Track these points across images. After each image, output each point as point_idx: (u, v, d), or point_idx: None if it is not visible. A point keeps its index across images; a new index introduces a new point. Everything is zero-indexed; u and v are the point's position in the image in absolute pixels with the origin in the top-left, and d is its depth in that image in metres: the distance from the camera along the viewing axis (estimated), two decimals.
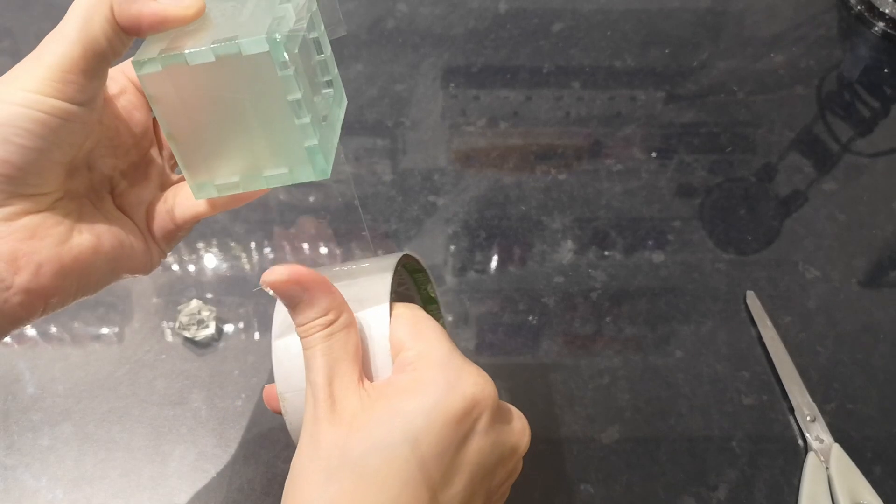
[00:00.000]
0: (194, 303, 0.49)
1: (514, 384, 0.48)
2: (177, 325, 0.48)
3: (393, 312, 0.30)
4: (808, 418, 0.46)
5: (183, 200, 0.32)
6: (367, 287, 0.31)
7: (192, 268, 0.52)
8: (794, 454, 0.46)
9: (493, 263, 0.53)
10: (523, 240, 0.54)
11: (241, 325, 0.49)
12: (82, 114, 0.27)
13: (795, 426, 0.47)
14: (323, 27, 0.30)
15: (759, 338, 0.50)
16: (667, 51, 0.65)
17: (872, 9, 0.66)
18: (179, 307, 0.49)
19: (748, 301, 0.51)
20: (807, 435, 0.46)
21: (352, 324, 0.28)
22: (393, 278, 0.31)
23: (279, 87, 0.26)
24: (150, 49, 0.26)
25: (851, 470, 0.44)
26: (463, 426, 0.27)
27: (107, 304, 0.50)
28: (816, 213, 0.56)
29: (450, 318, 0.50)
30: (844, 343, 0.50)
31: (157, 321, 0.50)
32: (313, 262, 0.53)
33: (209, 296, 0.50)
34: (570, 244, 0.54)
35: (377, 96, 0.61)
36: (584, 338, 0.50)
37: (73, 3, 0.26)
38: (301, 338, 0.28)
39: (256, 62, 0.25)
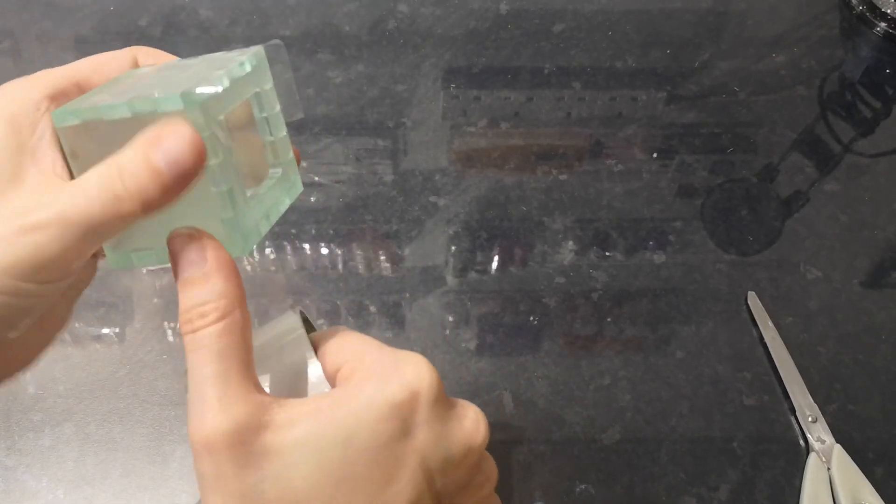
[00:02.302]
0: None
1: (514, 384, 0.48)
2: (178, 325, 0.48)
3: (316, 336, 0.28)
4: (810, 419, 0.46)
5: None
6: (277, 327, 0.29)
7: None
8: (796, 455, 0.46)
9: (494, 264, 0.53)
10: (524, 240, 0.54)
11: None
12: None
13: (797, 427, 0.47)
14: (278, 109, 0.28)
15: (761, 338, 0.50)
16: (668, 51, 0.65)
17: (874, 9, 0.66)
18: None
19: (749, 301, 0.51)
20: (808, 435, 0.46)
21: (248, 328, 0.24)
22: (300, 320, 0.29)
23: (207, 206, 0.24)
24: (74, 102, 0.25)
25: (853, 471, 0.44)
26: (399, 418, 0.24)
27: (108, 305, 0.50)
28: (818, 214, 0.56)
29: (450, 319, 0.50)
30: (846, 344, 0.50)
31: (158, 321, 0.50)
32: (314, 262, 0.53)
33: None
34: (571, 245, 0.54)
35: (378, 97, 0.61)
36: (584, 338, 0.50)
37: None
38: (185, 331, 0.24)
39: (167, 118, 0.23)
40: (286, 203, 0.29)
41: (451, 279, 0.52)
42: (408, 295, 0.51)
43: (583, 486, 0.44)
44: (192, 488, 0.44)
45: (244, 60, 0.26)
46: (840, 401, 0.47)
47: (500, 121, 0.60)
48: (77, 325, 0.49)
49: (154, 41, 0.62)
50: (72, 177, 0.25)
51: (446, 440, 0.25)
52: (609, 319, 0.51)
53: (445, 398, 0.26)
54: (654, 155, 0.59)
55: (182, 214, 0.25)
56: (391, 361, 0.25)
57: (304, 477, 0.23)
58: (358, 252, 0.53)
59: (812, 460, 0.45)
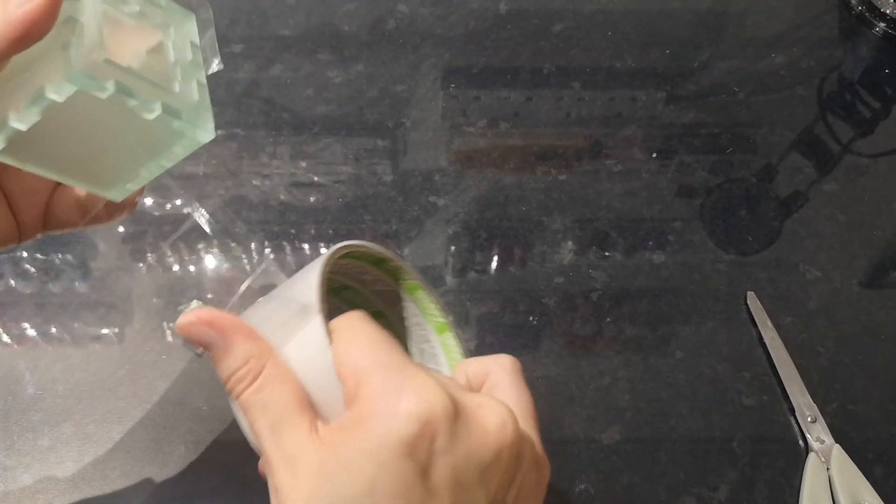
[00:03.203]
0: (195, 303, 0.49)
1: None
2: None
3: (333, 324, 0.27)
4: (809, 419, 0.46)
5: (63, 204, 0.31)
6: (297, 313, 0.28)
7: (192, 268, 0.52)
8: (795, 455, 0.46)
9: (494, 264, 0.53)
10: (524, 240, 0.54)
11: None
12: None
13: (796, 427, 0.47)
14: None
15: (760, 338, 0.50)
16: (667, 51, 0.65)
17: (873, 9, 0.66)
18: (180, 307, 0.49)
19: (749, 302, 0.51)
20: (807, 436, 0.46)
21: (282, 372, 0.26)
22: (321, 287, 0.28)
23: (114, 104, 0.25)
24: None
25: (852, 471, 0.44)
26: (417, 453, 0.23)
27: (107, 305, 0.50)
28: (817, 214, 0.56)
29: (450, 319, 0.50)
30: (845, 344, 0.50)
31: (157, 321, 0.50)
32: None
33: (210, 296, 0.50)
34: (570, 245, 0.54)
35: (378, 97, 0.61)
36: (584, 338, 0.50)
37: None
38: (231, 397, 0.26)
39: (76, 100, 0.24)
40: (198, 44, 0.29)
41: (450, 279, 0.52)
42: None
43: (583, 486, 0.44)
44: (192, 488, 0.44)
45: None
46: (839, 401, 0.48)
47: (500, 121, 0.60)
48: (77, 325, 0.49)
49: None
50: None
51: (475, 453, 0.24)
52: (608, 319, 0.51)
53: (461, 411, 0.25)
54: (654, 155, 0.59)
55: (145, 140, 0.27)
56: (395, 388, 0.24)
57: None
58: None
59: (811, 460, 0.45)
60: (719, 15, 0.68)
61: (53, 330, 0.49)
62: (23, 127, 0.25)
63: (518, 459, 0.26)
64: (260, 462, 0.27)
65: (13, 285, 0.51)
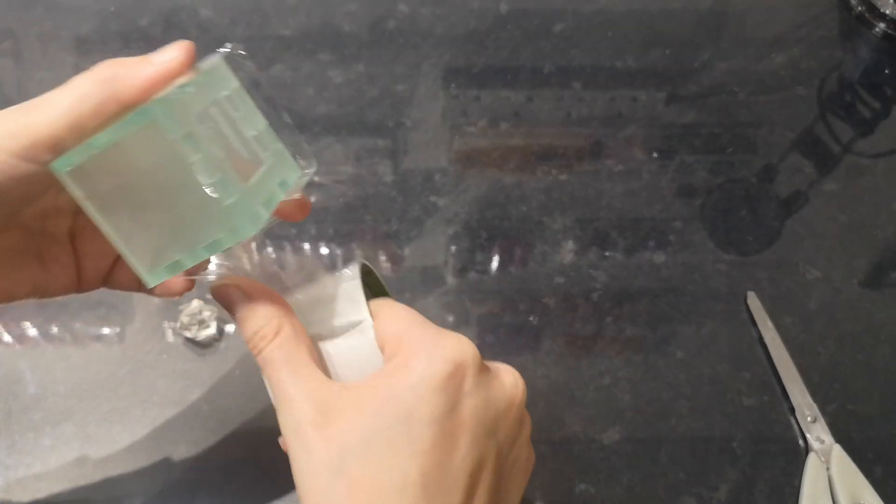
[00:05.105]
0: (195, 303, 0.49)
1: None
2: (178, 325, 0.48)
3: (372, 305, 0.31)
4: (809, 419, 0.46)
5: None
6: (341, 301, 0.31)
7: None
8: (795, 455, 0.46)
9: (494, 264, 0.53)
10: (524, 240, 0.54)
11: None
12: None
13: (796, 427, 0.47)
14: (251, 104, 0.30)
15: (760, 338, 0.50)
16: (668, 51, 0.65)
17: (873, 9, 0.66)
18: (181, 307, 0.49)
19: (749, 302, 0.51)
20: (807, 435, 0.46)
21: (300, 331, 0.29)
22: (362, 281, 0.32)
23: (177, 152, 0.26)
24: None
25: (852, 471, 0.44)
26: (450, 389, 0.27)
27: (108, 305, 0.50)
28: (817, 214, 0.56)
29: (450, 319, 0.50)
30: (845, 344, 0.50)
31: (158, 321, 0.50)
32: (314, 262, 0.53)
33: (210, 296, 0.50)
34: (570, 245, 0.54)
35: (378, 97, 0.61)
36: (584, 338, 0.50)
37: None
38: (255, 355, 0.28)
39: (149, 134, 0.25)
40: (288, 185, 0.31)
41: (450, 279, 0.52)
42: (408, 295, 0.51)
43: (583, 486, 0.44)
44: (193, 487, 0.44)
45: (201, 66, 0.28)
46: (839, 401, 0.48)
47: (500, 121, 0.60)
48: (77, 325, 0.49)
49: (154, 41, 0.62)
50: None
51: (493, 401, 0.29)
52: (609, 319, 0.51)
53: (485, 366, 0.29)
54: (654, 155, 0.59)
55: (192, 215, 0.28)
56: (433, 338, 0.28)
57: (379, 452, 0.26)
58: (358, 252, 0.53)
59: (811, 460, 0.45)
60: (719, 15, 0.68)
61: (54, 329, 0.49)
62: (96, 146, 0.26)
63: (522, 422, 0.31)
64: (280, 438, 0.28)
65: None
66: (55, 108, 0.26)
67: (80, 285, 0.34)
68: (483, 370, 0.29)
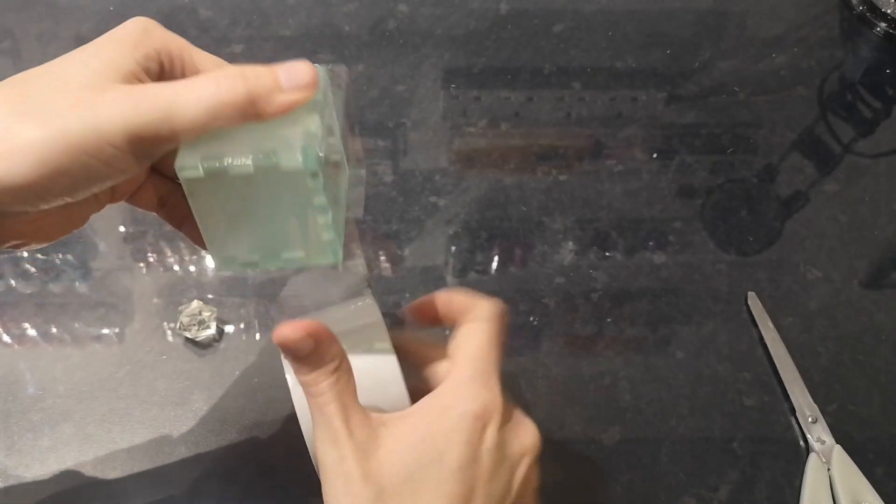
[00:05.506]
0: (195, 303, 0.49)
1: (514, 385, 0.48)
2: (178, 325, 0.48)
3: (461, 330, 0.33)
4: (810, 419, 0.46)
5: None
6: (357, 315, 0.34)
7: (192, 268, 0.52)
8: (796, 455, 0.46)
9: (494, 264, 0.53)
10: (524, 241, 0.54)
11: (241, 325, 0.49)
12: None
13: (797, 427, 0.47)
14: (335, 115, 0.32)
15: (761, 339, 0.50)
16: (668, 51, 0.65)
17: (874, 9, 0.66)
18: (180, 308, 0.49)
19: (749, 302, 0.51)
20: (808, 436, 0.46)
21: (349, 367, 0.31)
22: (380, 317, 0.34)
23: (307, 193, 0.28)
24: (190, 153, 0.28)
25: (853, 471, 0.44)
26: (474, 442, 0.30)
27: (107, 305, 0.50)
28: (818, 214, 0.56)
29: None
30: (846, 344, 0.50)
31: (157, 322, 0.50)
32: None
33: (210, 296, 0.50)
34: (571, 245, 0.54)
35: (378, 97, 0.61)
36: (584, 339, 0.50)
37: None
38: (310, 390, 0.30)
39: (290, 172, 0.28)
40: (345, 187, 0.33)
41: (450, 279, 0.52)
42: (408, 295, 0.51)
43: (583, 486, 0.44)
44: (192, 489, 0.44)
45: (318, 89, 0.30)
46: (840, 401, 0.48)
47: (500, 121, 0.60)
48: (76, 325, 0.49)
49: None
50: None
51: (508, 456, 0.31)
52: (609, 320, 0.51)
53: (508, 416, 0.32)
54: (654, 155, 0.59)
55: (288, 233, 0.30)
56: (473, 385, 0.31)
57: (412, 490, 0.29)
58: (358, 252, 0.53)
59: (812, 461, 0.45)
60: (720, 15, 0.68)
61: (54, 330, 0.49)
62: (231, 171, 0.27)
63: (529, 477, 0.33)
64: (314, 460, 0.31)
65: (13, 285, 0.51)
66: (200, 98, 0.26)
67: (113, 198, 0.34)
68: (504, 424, 0.31)
